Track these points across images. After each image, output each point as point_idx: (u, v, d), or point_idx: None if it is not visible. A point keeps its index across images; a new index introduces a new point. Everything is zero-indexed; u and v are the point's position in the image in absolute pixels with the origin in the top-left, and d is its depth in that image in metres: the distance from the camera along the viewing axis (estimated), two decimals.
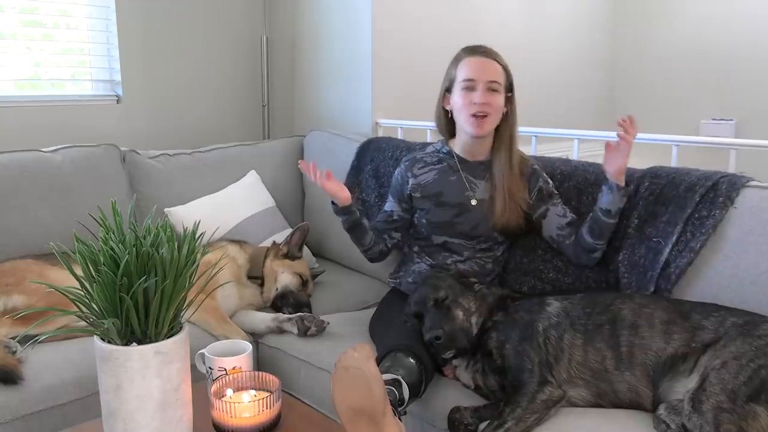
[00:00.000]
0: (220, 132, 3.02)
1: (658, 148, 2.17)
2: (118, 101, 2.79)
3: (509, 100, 1.90)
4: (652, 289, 1.71)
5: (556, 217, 1.89)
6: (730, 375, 1.33)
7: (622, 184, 1.71)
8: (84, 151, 2.31)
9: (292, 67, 3.15)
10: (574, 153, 2.35)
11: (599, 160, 1.79)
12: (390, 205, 2.05)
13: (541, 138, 2.48)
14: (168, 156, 2.52)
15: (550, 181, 1.94)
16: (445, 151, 1.99)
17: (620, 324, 1.52)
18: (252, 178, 2.60)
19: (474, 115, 1.84)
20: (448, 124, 1.97)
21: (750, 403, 1.28)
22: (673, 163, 2.04)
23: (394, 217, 2.03)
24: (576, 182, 1.94)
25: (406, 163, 2.02)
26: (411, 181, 1.98)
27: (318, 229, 2.57)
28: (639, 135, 2.22)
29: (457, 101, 1.88)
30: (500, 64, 1.88)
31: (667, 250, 1.70)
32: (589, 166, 1.97)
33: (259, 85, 3.19)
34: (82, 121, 2.65)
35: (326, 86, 3.00)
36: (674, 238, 1.69)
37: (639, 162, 1.97)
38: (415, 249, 2.01)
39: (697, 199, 1.68)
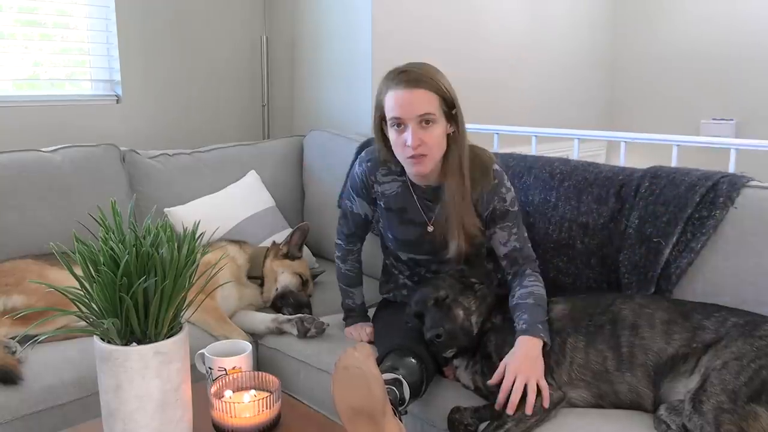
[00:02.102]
0: (220, 132, 3.02)
1: (659, 147, 2.18)
2: (117, 101, 2.79)
3: (453, 118, 1.68)
4: (653, 289, 1.71)
5: (498, 244, 1.75)
6: (731, 375, 1.33)
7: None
8: (83, 151, 2.31)
9: (291, 67, 3.15)
10: (575, 153, 2.35)
11: (600, 160, 1.79)
12: (359, 205, 1.89)
13: (541, 138, 2.48)
14: (168, 156, 2.51)
15: (509, 197, 1.74)
16: (401, 167, 1.79)
17: (621, 324, 1.52)
18: (252, 178, 2.60)
19: (411, 157, 1.65)
20: (389, 148, 1.74)
21: (751, 404, 1.28)
22: (674, 163, 2.04)
23: (369, 219, 1.93)
24: (576, 181, 1.94)
25: (368, 164, 1.83)
26: (376, 187, 1.83)
27: (318, 229, 2.57)
28: (640, 135, 2.23)
29: (391, 137, 1.68)
30: (430, 89, 1.62)
31: (668, 250, 1.70)
32: (588, 166, 1.96)
33: (258, 85, 3.19)
34: (81, 121, 2.65)
35: (326, 86, 3.00)
36: (675, 238, 1.69)
37: (639, 162, 1.97)
38: (390, 261, 1.97)
39: (698, 199, 1.68)
